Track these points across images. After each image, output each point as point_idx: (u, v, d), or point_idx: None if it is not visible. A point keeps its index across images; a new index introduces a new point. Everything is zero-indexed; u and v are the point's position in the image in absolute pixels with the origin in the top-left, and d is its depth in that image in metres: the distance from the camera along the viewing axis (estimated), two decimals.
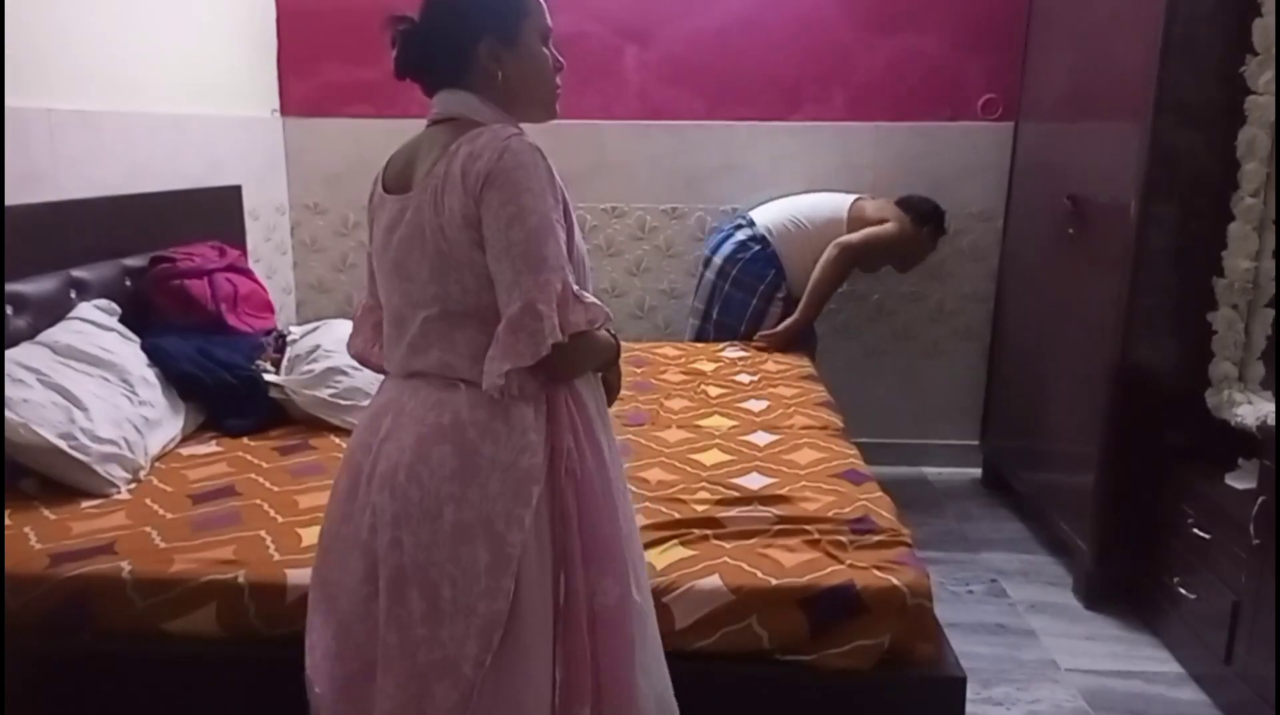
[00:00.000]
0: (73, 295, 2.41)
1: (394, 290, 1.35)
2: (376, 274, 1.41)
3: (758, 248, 3.34)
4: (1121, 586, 2.67)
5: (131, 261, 2.66)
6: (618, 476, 1.42)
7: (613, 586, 1.34)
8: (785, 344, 3.30)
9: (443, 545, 1.27)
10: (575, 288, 1.27)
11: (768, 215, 3.41)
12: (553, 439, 1.31)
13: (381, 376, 1.46)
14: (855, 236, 3.28)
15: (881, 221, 3.31)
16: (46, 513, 1.91)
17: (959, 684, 1.63)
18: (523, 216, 1.23)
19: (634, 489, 2.03)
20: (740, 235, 3.39)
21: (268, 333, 2.75)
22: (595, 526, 1.34)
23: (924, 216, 3.38)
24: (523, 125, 1.36)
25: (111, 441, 2.04)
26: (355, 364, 2.44)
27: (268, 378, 2.49)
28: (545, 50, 1.38)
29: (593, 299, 1.29)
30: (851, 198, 3.40)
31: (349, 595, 1.35)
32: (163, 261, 2.66)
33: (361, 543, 1.34)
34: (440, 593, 1.27)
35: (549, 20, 1.38)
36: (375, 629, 1.33)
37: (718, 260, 3.39)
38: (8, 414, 1.93)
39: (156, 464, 2.18)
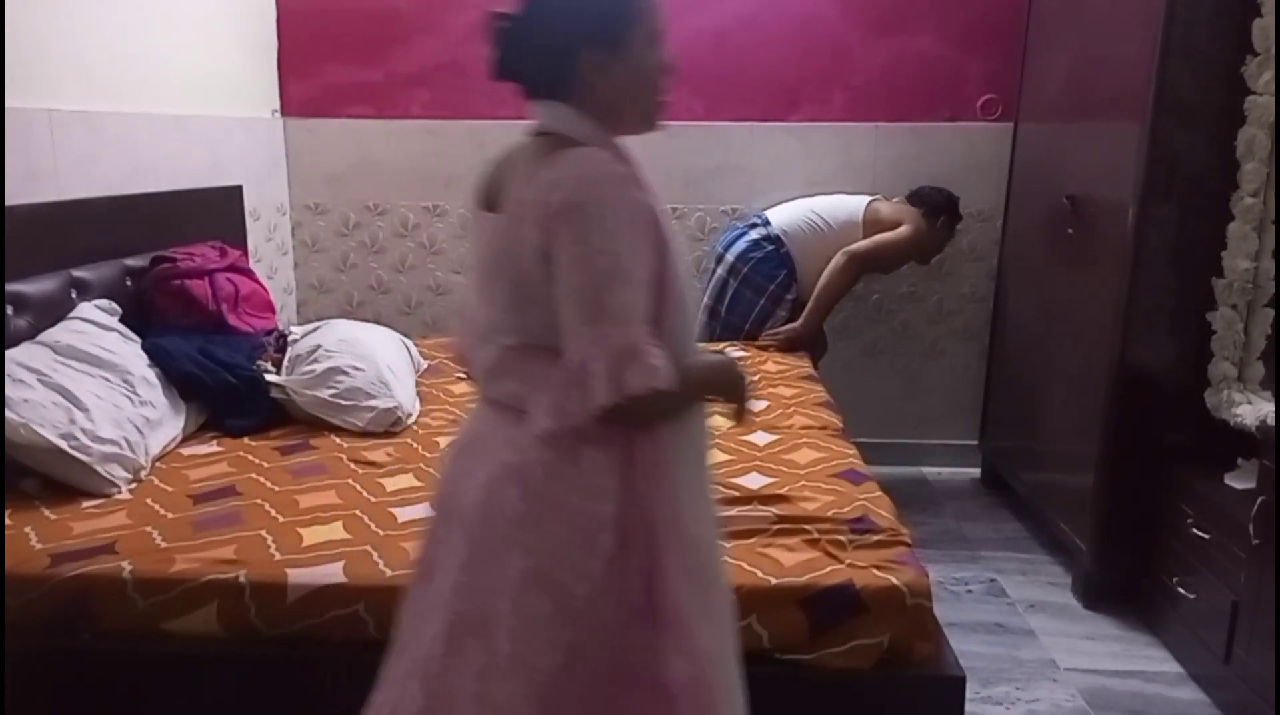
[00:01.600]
0: (74, 295, 2.42)
1: (481, 311, 1.28)
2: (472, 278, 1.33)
3: (771, 248, 3.33)
4: (1120, 586, 2.68)
5: (132, 261, 2.66)
6: (704, 532, 1.28)
7: (680, 664, 1.19)
8: (789, 347, 3.29)
9: (505, 594, 1.19)
10: (643, 344, 1.12)
11: (783, 216, 3.40)
12: (628, 485, 1.19)
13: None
14: (863, 244, 3.26)
15: (896, 224, 3.30)
16: (47, 512, 1.92)
17: (958, 683, 1.63)
18: (589, 259, 1.11)
19: None
20: (754, 234, 3.38)
21: (269, 333, 2.76)
22: (666, 589, 1.20)
23: (937, 209, 3.37)
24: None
25: (112, 441, 2.04)
26: (356, 364, 2.49)
27: (269, 378, 2.49)
28: (655, 56, 1.27)
29: (660, 359, 1.13)
30: (867, 199, 3.39)
31: (419, 638, 1.28)
32: (164, 262, 2.66)
33: (434, 584, 1.27)
34: (498, 647, 1.19)
35: (659, 21, 1.27)
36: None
37: (730, 257, 3.38)
38: (8, 414, 1.93)
39: (157, 464, 2.18)
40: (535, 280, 1.16)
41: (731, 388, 1.31)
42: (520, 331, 1.21)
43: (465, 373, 1.40)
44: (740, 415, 1.33)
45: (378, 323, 3.15)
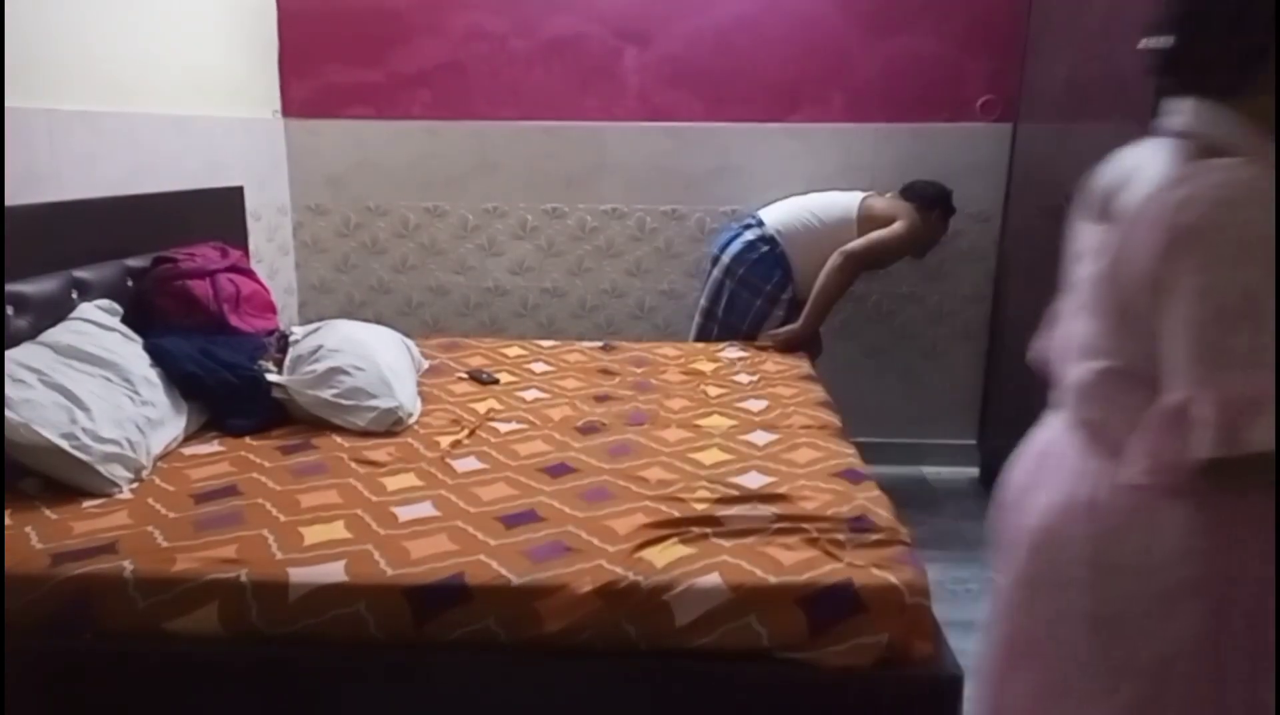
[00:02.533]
0: (74, 296, 2.42)
1: (1079, 327, 1.17)
2: (1069, 288, 1.23)
3: (766, 248, 3.33)
4: None
5: (133, 262, 2.67)
6: None
7: None
8: (787, 347, 3.29)
9: (1068, 625, 1.13)
10: (1271, 395, 0.95)
11: (777, 216, 3.40)
12: (1225, 552, 1.04)
13: None
14: (859, 244, 3.24)
15: (890, 220, 3.27)
16: (48, 512, 1.92)
17: (957, 682, 1.63)
18: (1214, 292, 0.97)
19: (633, 488, 2.05)
20: (749, 235, 3.37)
21: (270, 333, 2.76)
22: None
23: (930, 202, 3.37)
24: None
25: (114, 441, 2.04)
26: (358, 364, 2.49)
27: (270, 378, 2.49)
28: None
29: None
30: (861, 196, 3.38)
31: (988, 636, 1.25)
32: (165, 262, 2.66)
33: (999, 584, 1.24)
34: (1054, 677, 1.14)
35: None
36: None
37: (725, 259, 3.38)
38: (9, 414, 1.93)
39: (158, 463, 2.19)
40: (1143, 306, 1.04)
41: None
42: (1119, 356, 1.10)
43: (1047, 381, 1.29)
44: None
45: (378, 323, 3.15)
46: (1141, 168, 1.10)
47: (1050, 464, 1.19)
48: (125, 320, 2.44)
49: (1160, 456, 1.01)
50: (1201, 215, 0.98)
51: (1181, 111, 1.09)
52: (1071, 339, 1.19)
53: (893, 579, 1.63)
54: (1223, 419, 0.95)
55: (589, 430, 2.46)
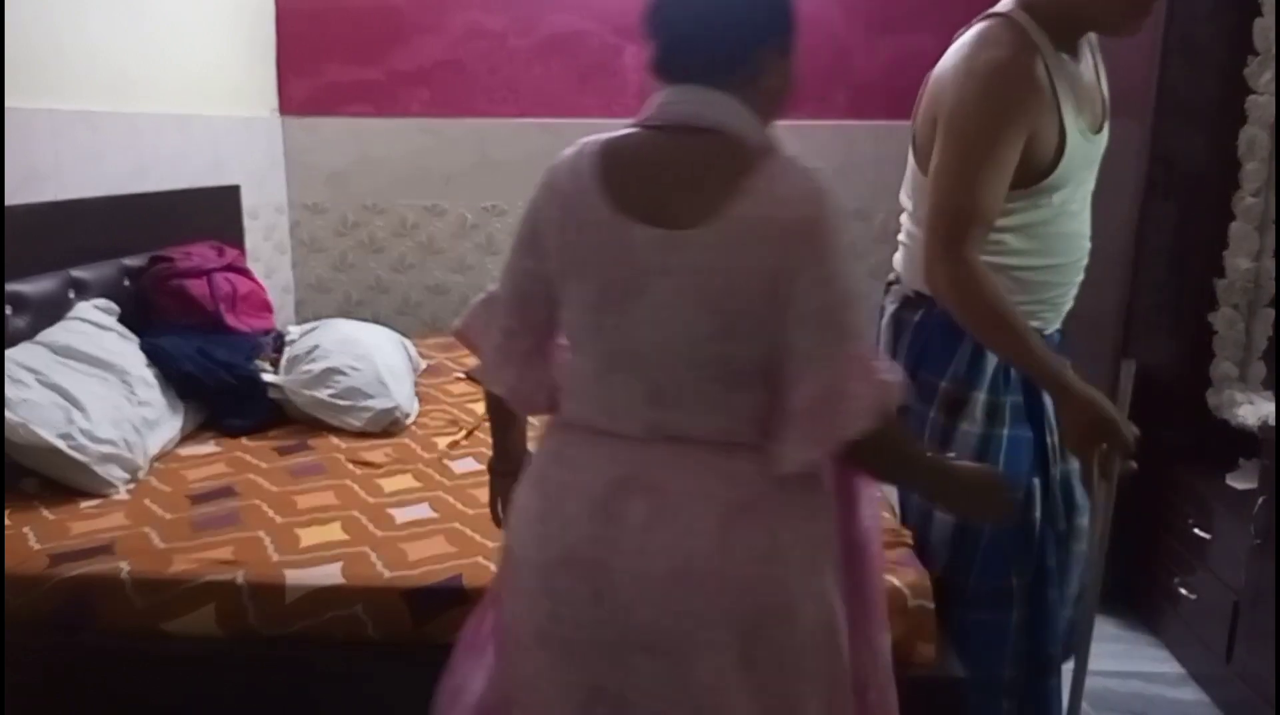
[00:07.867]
0: (72, 295, 2.41)
1: (638, 338, 1.08)
2: (586, 307, 1.12)
3: (918, 316, 1.71)
4: (1121, 586, 2.67)
5: (131, 261, 2.65)
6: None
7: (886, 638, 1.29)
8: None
9: (803, 653, 1.11)
10: (881, 364, 1.11)
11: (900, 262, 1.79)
12: (835, 500, 1.20)
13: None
14: (931, 209, 1.58)
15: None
16: (46, 513, 1.91)
17: (960, 684, 1.63)
18: (834, 279, 1.09)
19: None
20: (890, 306, 1.79)
21: (266, 333, 2.75)
22: (873, 589, 1.27)
23: None
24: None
25: (110, 441, 2.04)
26: (354, 364, 2.48)
27: (266, 378, 2.48)
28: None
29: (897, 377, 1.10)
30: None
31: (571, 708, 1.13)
32: (162, 261, 2.65)
33: (606, 654, 1.11)
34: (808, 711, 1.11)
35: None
36: None
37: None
38: (7, 414, 1.93)
39: (155, 464, 2.18)
40: (755, 304, 1.06)
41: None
42: (724, 361, 1.08)
43: (526, 408, 1.28)
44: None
45: (376, 322, 3.14)
46: (679, 170, 1.14)
47: (671, 493, 1.08)
48: (122, 320, 2.43)
49: (819, 439, 1.06)
50: (805, 210, 1.10)
51: (691, 101, 1.18)
52: (620, 355, 1.10)
53: (895, 581, 1.62)
54: (872, 392, 1.06)
55: None
